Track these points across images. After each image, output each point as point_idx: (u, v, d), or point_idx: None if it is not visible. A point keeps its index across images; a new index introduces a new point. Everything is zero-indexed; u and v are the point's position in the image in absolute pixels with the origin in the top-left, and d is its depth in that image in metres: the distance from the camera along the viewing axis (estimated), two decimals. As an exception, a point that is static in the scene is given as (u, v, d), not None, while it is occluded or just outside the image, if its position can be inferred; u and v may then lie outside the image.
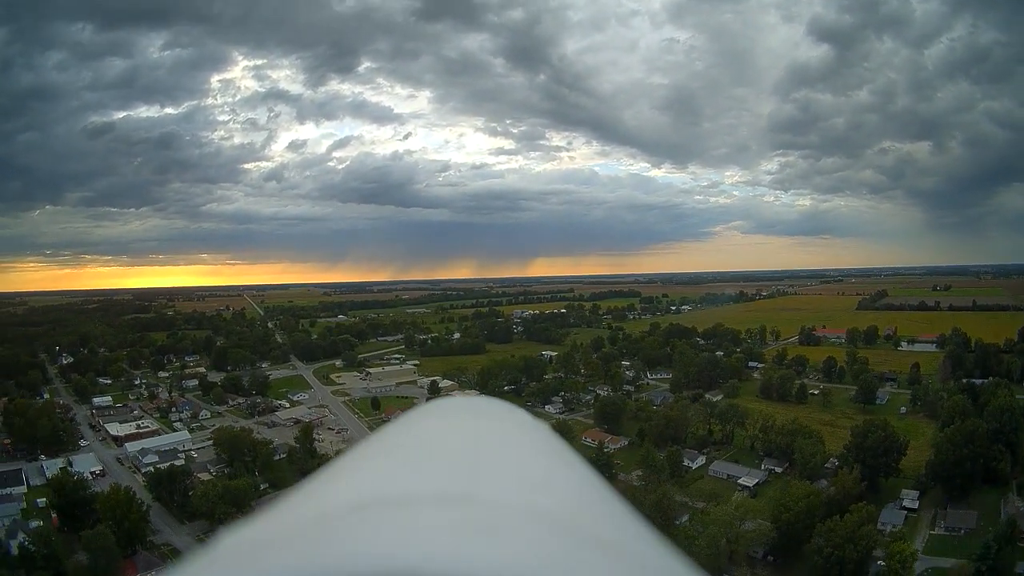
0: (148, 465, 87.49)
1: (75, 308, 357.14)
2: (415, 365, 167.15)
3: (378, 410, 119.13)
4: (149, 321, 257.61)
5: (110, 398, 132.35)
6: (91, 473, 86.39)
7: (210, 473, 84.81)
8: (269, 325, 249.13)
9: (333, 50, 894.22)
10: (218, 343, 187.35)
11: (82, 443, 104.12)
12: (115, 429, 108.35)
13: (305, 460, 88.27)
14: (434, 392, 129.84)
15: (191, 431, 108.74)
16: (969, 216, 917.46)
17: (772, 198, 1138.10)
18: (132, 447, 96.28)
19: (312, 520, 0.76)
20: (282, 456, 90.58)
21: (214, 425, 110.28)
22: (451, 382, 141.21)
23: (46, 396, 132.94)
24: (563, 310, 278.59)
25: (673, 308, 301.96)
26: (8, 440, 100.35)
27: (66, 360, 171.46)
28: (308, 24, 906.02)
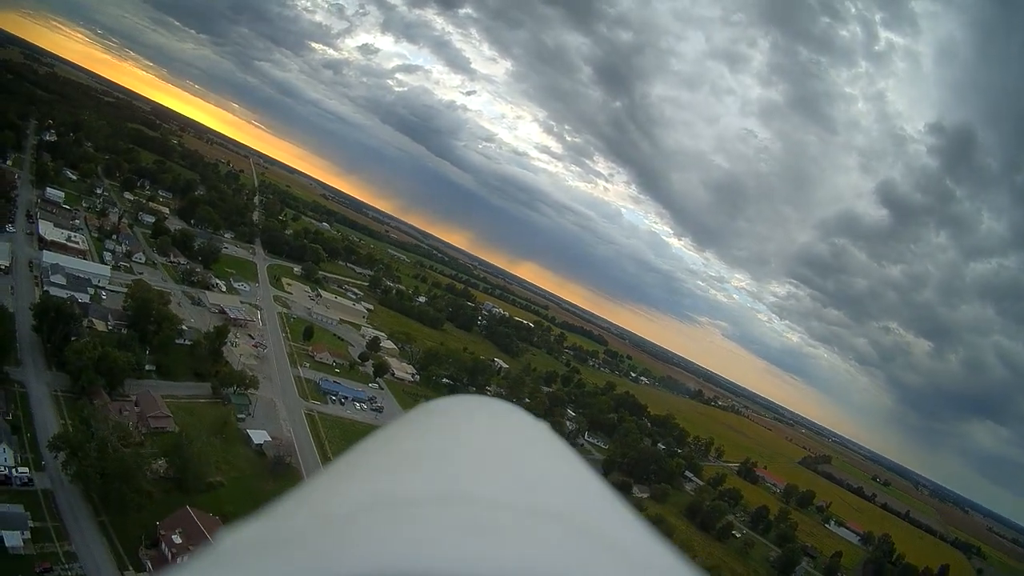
0: (52, 285, 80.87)
1: (92, 93, 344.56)
2: (368, 310, 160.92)
3: (308, 341, 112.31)
4: (149, 139, 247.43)
5: (63, 194, 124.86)
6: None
7: (107, 326, 78.20)
8: (255, 199, 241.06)
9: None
10: (196, 193, 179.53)
11: (8, 228, 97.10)
12: (45, 229, 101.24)
13: (205, 360, 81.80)
14: (373, 348, 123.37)
15: (115, 268, 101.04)
16: (933, 428, 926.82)
17: (766, 318, 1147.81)
18: (49, 258, 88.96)
19: (316, 520, 0.75)
20: (185, 343, 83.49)
21: (142, 273, 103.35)
22: (393, 346, 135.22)
23: (8, 163, 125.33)
24: (531, 324, 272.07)
25: (633, 375, 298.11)
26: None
27: (50, 137, 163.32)
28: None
